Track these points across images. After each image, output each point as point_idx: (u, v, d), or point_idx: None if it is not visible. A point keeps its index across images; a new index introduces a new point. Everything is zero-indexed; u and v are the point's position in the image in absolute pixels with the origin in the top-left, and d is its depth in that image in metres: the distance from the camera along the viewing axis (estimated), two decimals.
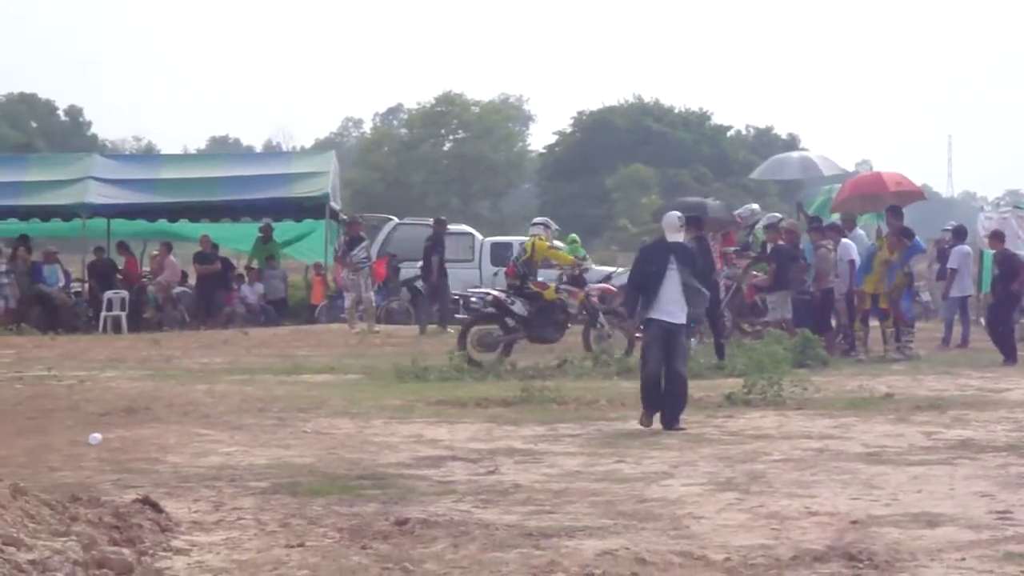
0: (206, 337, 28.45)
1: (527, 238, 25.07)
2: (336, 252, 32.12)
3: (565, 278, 25.19)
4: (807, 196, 33.43)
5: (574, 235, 32.38)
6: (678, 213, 16.18)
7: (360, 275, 30.21)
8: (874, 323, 24.98)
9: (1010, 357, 22.99)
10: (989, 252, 32.14)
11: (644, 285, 15.75)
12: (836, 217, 27.67)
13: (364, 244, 31.08)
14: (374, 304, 30.78)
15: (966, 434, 14.78)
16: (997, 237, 24.88)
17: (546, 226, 24.94)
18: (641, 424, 15.19)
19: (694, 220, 21.07)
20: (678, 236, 15.88)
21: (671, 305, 15.52)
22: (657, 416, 15.26)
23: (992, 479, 11.92)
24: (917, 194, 26.97)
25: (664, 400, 15.42)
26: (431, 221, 33.60)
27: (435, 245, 30.69)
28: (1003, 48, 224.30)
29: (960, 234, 27.01)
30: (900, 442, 14.27)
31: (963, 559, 8.91)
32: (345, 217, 35.48)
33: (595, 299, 24.45)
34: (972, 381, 20.41)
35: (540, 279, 24.03)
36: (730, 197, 36.09)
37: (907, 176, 27.59)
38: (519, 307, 23.06)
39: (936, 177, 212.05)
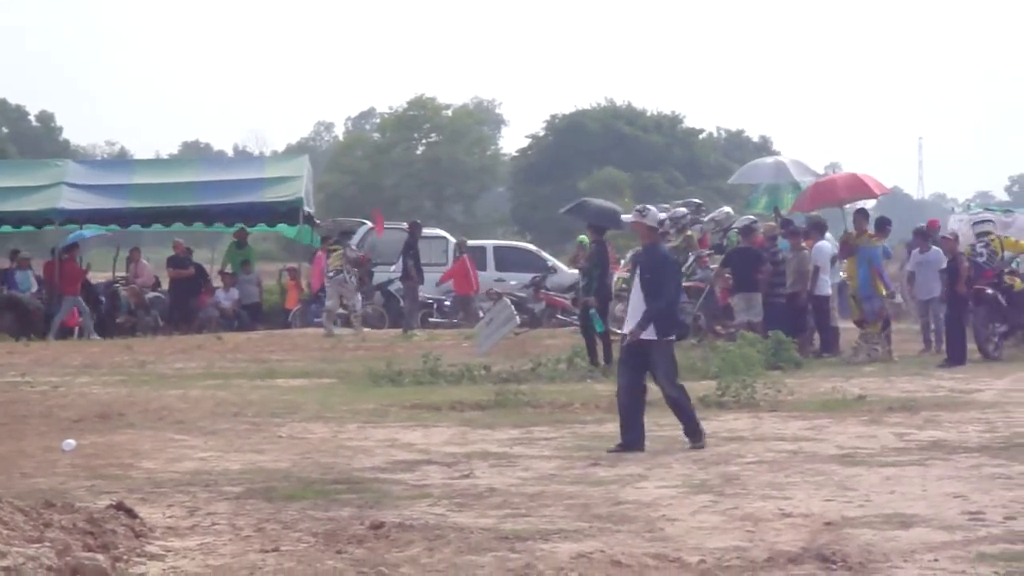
0: (180, 342, 28.38)
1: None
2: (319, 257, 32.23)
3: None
4: (750, 196, 33.44)
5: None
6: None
7: (335, 281, 30.15)
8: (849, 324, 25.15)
9: (955, 359, 22.98)
10: None
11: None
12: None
13: (341, 252, 31.06)
14: (358, 309, 30.72)
15: (938, 435, 14.84)
16: (952, 238, 24.80)
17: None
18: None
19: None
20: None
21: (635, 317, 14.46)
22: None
23: (964, 480, 11.97)
24: (868, 193, 26.92)
25: None
26: (406, 225, 33.59)
27: (407, 248, 30.77)
28: (973, 50, 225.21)
29: (921, 236, 26.88)
30: (873, 443, 14.32)
31: (936, 560, 8.95)
32: (319, 222, 35.43)
33: None
34: (944, 382, 20.49)
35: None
36: (704, 200, 36.02)
37: (858, 175, 27.50)
38: None
39: (907, 179, 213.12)
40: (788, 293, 25.20)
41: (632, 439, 14.04)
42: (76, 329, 31.51)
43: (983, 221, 26.95)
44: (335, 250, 30.51)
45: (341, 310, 30.44)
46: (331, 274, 30.28)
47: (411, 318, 30.36)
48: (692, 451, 13.89)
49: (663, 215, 29.58)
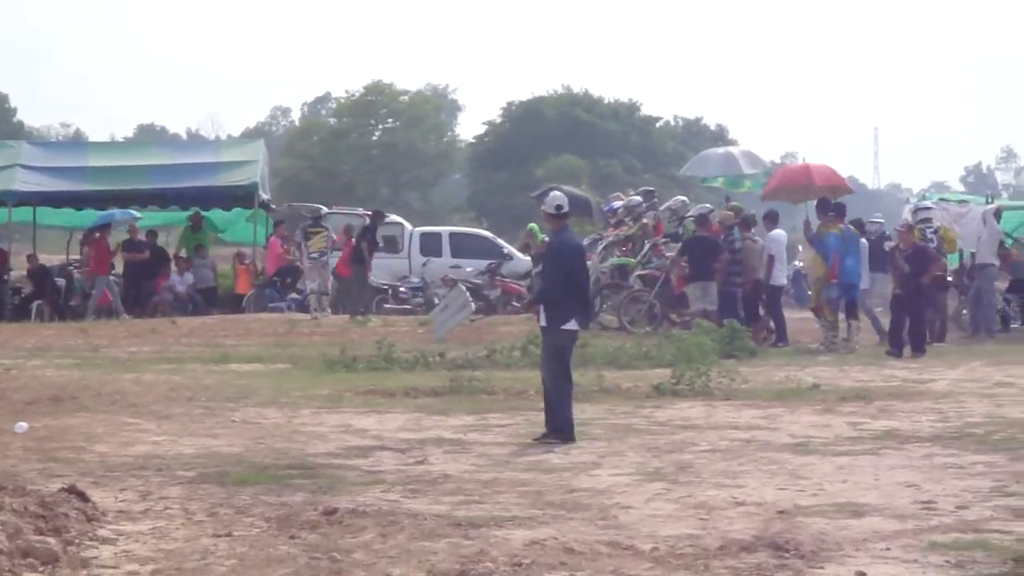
0: (134, 326, 28.24)
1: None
2: (298, 240, 32.35)
3: None
4: (707, 176, 33.49)
5: (533, 224, 32.28)
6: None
7: (319, 263, 30.60)
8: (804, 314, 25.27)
9: (901, 347, 23.00)
10: None
11: None
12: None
13: (324, 234, 31.22)
14: (327, 294, 31.11)
15: (891, 424, 14.91)
16: (908, 231, 24.76)
17: None
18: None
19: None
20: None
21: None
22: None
23: (917, 469, 12.04)
24: (843, 188, 27.14)
25: None
26: (360, 211, 33.60)
27: (365, 233, 30.84)
28: (929, 40, 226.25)
29: (859, 227, 27.00)
30: (826, 432, 14.38)
31: (888, 549, 8.99)
32: (274, 206, 35.36)
33: None
34: (897, 372, 20.59)
35: None
36: (660, 188, 36.16)
37: (834, 169, 27.73)
38: None
39: (863, 169, 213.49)
40: (745, 282, 25.30)
41: (557, 427, 13.96)
42: (110, 308, 31.58)
43: (923, 208, 27.15)
44: (317, 232, 30.94)
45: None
46: (315, 256, 30.66)
47: (358, 302, 30.45)
48: (646, 439, 13.90)
49: (617, 203, 29.82)
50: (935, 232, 25.72)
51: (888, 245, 26.18)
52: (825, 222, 24.64)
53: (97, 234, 32.27)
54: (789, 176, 28.24)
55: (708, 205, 29.25)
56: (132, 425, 14.89)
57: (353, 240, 32.12)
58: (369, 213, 33.70)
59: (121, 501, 10.54)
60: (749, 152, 32.76)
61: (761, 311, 25.70)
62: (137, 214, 34.62)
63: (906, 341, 23.40)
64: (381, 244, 32.64)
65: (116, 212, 34.16)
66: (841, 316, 24.57)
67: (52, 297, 32.34)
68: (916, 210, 26.83)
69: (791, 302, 30.47)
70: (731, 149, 34.90)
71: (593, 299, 26.63)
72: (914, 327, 23.58)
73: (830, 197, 25.65)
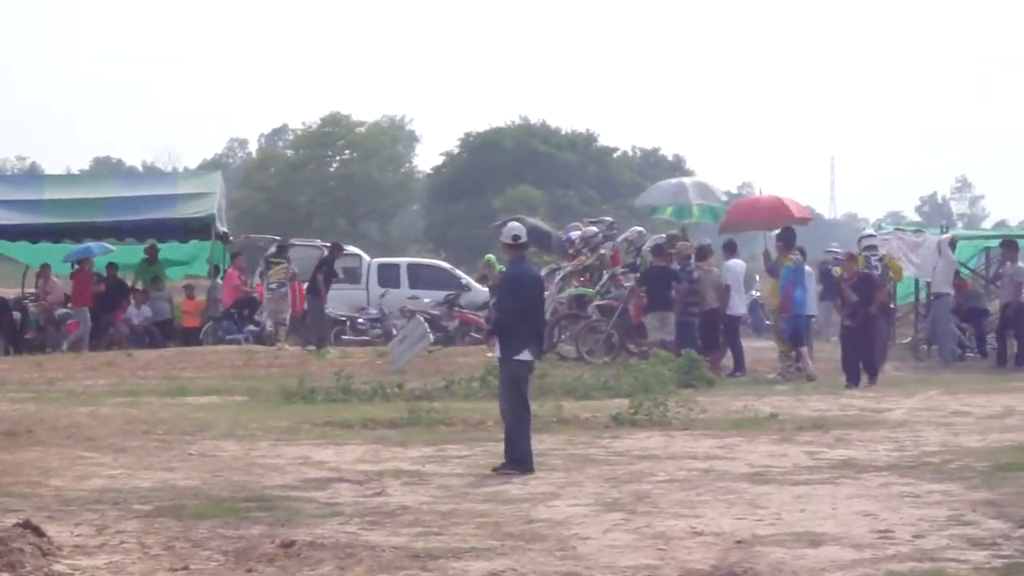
0: (90, 359, 28.10)
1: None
2: (260, 271, 32.41)
3: None
4: (657, 207, 33.56)
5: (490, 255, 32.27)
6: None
7: (278, 295, 30.61)
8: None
9: (857, 377, 23.00)
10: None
11: None
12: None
13: (285, 265, 31.23)
14: (287, 323, 31.17)
15: (848, 454, 14.96)
16: (852, 260, 24.70)
17: None
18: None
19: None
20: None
21: None
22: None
23: (874, 498, 12.07)
24: (790, 216, 27.35)
25: None
26: (318, 242, 33.58)
27: (322, 265, 30.77)
28: (885, 70, 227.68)
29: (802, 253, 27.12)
30: (784, 462, 14.41)
31: None
32: (232, 238, 35.28)
33: None
34: (855, 401, 20.67)
35: None
36: (617, 219, 36.23)
37: (793, 200, 28.01)
38: None
39: (819, 199, 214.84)
40: (703, 312, 25.38)
41: (516, 458, 13.95)
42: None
43: (868, 236, 27.33)
44: (278, 263, 30.92)
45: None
46: (274, 286, 30.71)
47: (312, 332, 30.35)
48: (604, 469, 13.91)
49: (575, 234, 29.89)
50: (880, 260, 25.90)
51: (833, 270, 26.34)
52: (783, 252, 24.77)
53: (76, 266, 32.26)
54: (739, 210, 28.48)
55: (664, 235, 29.32)
56: (88, 459, 14.80)
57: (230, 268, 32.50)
58: (327, 245, 33.65)
59: (77, 535, 10.48)
60: (701, 183, 32.92)
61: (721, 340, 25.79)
62: (111, 247, 34.53)
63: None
64: (341, 275, 32.63)
65: (92, 246, 34.00)
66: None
67: (8, 330, 32.15)
68: (861, 238, 26.99)
69: (749, 331, 30.58)
70: (684, 180, 35.00)
71: (551, 329, 26.77)
72: (866, 355, 23.61)
73: (774, 226, 25.87)
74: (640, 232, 30.10)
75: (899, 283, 28.95)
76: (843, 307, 23.92)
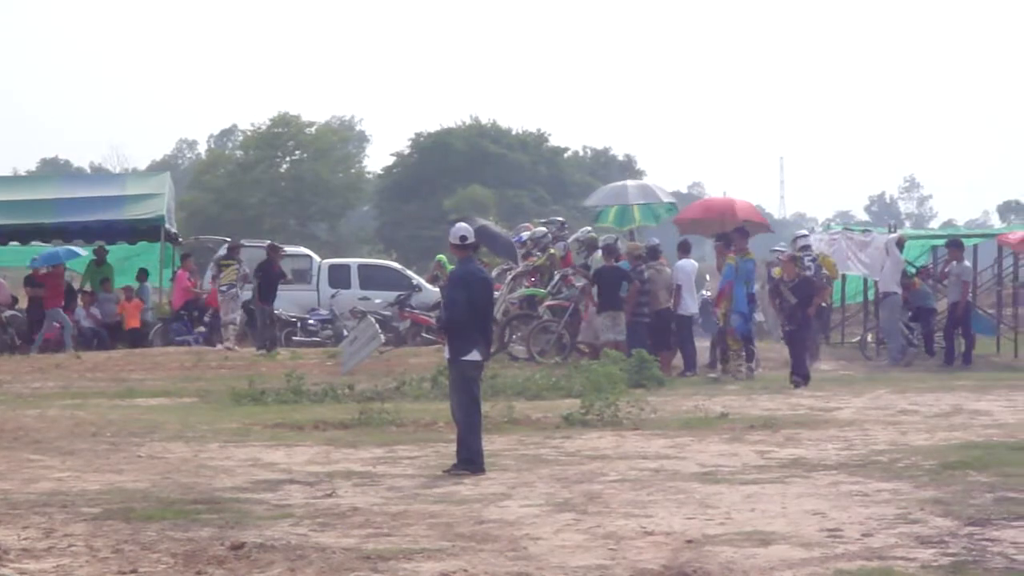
0: (37, 361, 27.94)
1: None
2: (210, 274, 32.24)
3: None
4: (599, 212, 33.60)
5: (441, 255, 32.22)
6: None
7: (228, 295, 30.44)
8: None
9: (806, 378, 23.11)
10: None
11: None
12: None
13: (236, 267, 31.00)
14: (234, 326, 30.92)
15: (798, 453, 15.02)
16: (793, 262, 24.51)
17: None
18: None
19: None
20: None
21: None
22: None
23: (823, 497, 12.12)
24: (763, 226, 27.58)
25: None
26: (268, 243, 33.34)
27: (258, 268, 30.28)
28: (834, 70, 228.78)
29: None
30: (734, 461, 14.46)
31: None
32: (181, 239, 35.10)
33: None
34: (804, 400, 20.76)
35: None
36: (569, 219, 36.31)
37: (756, 209, 28.41)
38: None
39: (768, 198, 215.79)
40: (654, 311, 25.45)
41: (467, 459, 13.95)
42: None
43: (803, 236, 27.42)
44: (229, 265, 30.76)
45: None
46: (224, 288, 30.55)
47: (260, 337, 29.98)
48: (556, 469, 13.92)
49: (525, 234, 29.90)
50: (813, 260, 26.07)
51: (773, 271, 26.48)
52: (740, 249, 24.86)
53: (46, 270, 32.16)
54: (711, 208, 28.62)
55: (614, 236, 29.37)
56: (35, 461, 14.71)
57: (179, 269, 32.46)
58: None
59: (24, 539, 10.40)
60: (643, 184, 33.14)
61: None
62: (80, 251, 34.39)
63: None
64: (289, 276, 32.45)
65: (60, 250, 33.79)
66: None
67: None
68: (795, 239, 27.05)
69: (699, 331, 30.65)
70: (627, 182, 35.06)
71: (503, 330, 26.79)
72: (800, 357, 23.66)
73: (748, 230, 26.01)
74: (589, 231, 30.11)
75: (836, 281, 29.21)
76: (782, 309, 23.95)
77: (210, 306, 32.61)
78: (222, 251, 32.34)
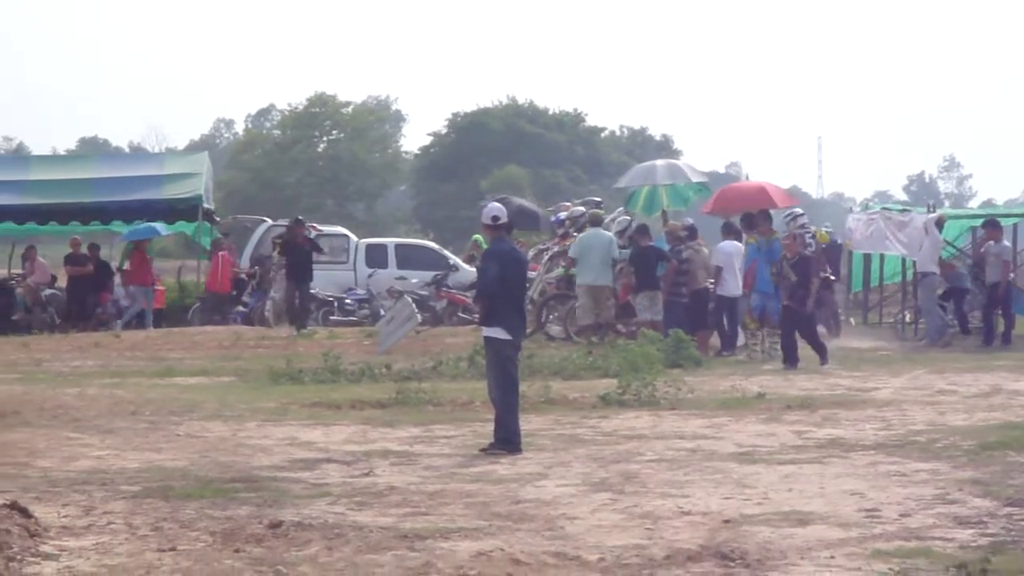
0: (77, 340, 28.05)
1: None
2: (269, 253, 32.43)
3: None
4: (630, 195, 33.44)
5: (478, 235, 32.17)
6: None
7: (280, 275, 30.65)
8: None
9: (796, 360, 22.88)
10: (858, 253, 32.64)
11: None
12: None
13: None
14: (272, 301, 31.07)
15: (836, 433, 14.97)
16: (794, 240, 24.17)
17: None
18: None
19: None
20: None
21: None
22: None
23: (861, 477, 12.09)
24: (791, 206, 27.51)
25: None
26: (315, 226, 33.43)
27: (283, 246, 30.11)
28: (872, 50, 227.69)
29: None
30: (771, 441, 14.43)
31: (832, 557, 9.03)
32: (219, 219, 35.20)
33: None
34: (842, 380, 20.67)
35: None
36: (605, 198, 36.24)
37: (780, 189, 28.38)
38: None
39: (806, 178, 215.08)
40: (691, 291, 25.34)
41: (504, 438, 13.97)
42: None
43: (799, 215, 26.82)
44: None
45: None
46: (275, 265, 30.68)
47: (297, 317, 29.76)
48: (592, 449, 13.92)
49: (563, 214, 29.84)
50: (812, 236, 26.00)
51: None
52: (766, 231, 24.75)
53: (133, 247, 32.78)
54: (743, 192, 28.58)
55: (645, 218, 29.23)
56: (75, 440, 14.78)
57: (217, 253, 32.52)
58: (312, 226, 33.15)
59: (64, 516, 10.46)
60: (673, 163, 32.87)
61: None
62: (162, 230, 34.76)
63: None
64: (326, 251, 32.40)
65: (142, 227, 34.02)
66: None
67: None
68: (795, 217, 26.36)
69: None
70: (656, 162, 34.62)
71: (540, 310, 26.77)
72: (811, 335, 23.40)
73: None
74: (623, 211, 29.98)
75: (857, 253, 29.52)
76: (782, 286, 23.70)
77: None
78: (279, 231, 32.17)
